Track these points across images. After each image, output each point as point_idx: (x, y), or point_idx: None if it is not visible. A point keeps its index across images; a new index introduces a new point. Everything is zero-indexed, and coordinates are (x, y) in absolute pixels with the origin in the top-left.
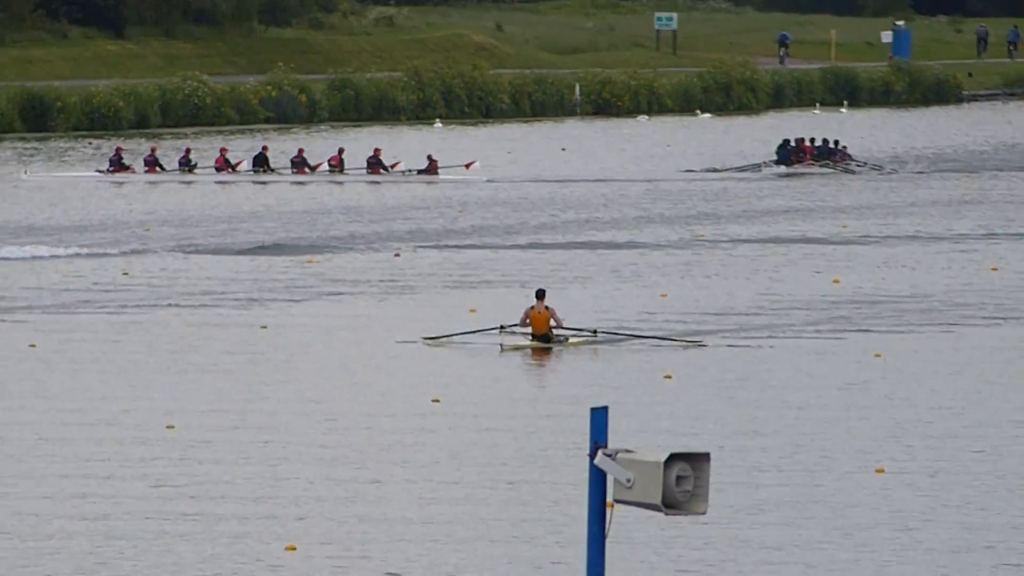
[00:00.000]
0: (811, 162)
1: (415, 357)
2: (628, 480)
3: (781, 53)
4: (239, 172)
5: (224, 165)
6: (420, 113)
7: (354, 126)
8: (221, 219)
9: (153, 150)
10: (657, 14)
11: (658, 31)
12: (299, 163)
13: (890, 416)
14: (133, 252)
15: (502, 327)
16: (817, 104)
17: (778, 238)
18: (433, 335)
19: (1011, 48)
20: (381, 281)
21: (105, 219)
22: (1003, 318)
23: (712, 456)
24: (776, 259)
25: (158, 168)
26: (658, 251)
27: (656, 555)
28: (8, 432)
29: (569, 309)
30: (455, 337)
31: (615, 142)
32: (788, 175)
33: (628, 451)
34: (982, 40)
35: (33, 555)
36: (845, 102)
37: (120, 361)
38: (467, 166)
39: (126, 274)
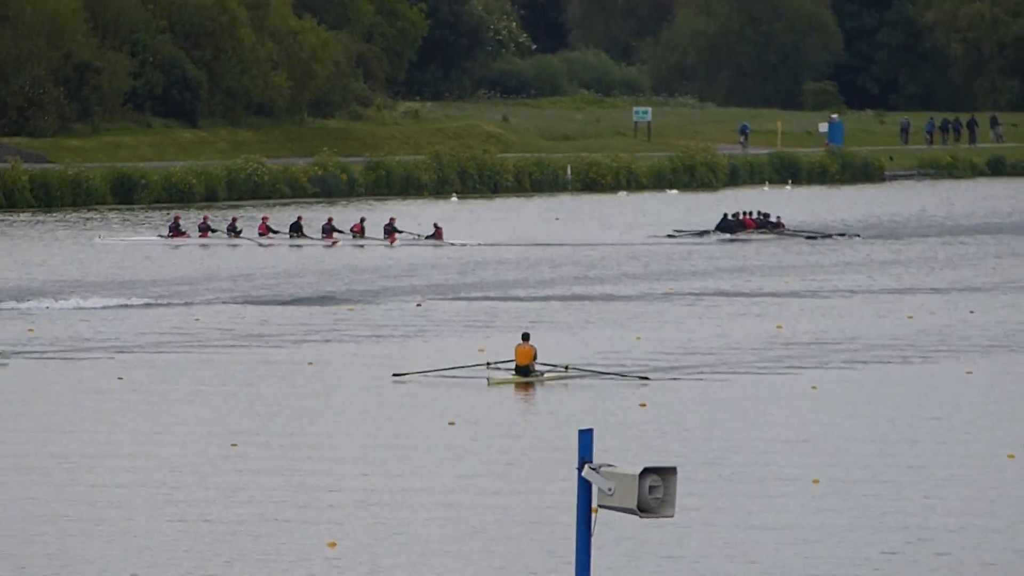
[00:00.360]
0: (751, 230)
1: (425, 388)
2: (609, 489)
3: (742, 140)
4: (278, 236)
5: (266, 231)
6: (440, 189)
7: (385, 199)
8: (266, 276)
9: (205, 218)
10: (635, 108)
11: (636, 122)
12: (328, 229)
13: (825, 437)
14: (197, 303)
15: (488, 364)
16: (767, 183)
17: (728, 291)
18: (422, 370)
19: (928, 136)
20: (405, 326)
21: (169, 276)
22: (919, 357)
23: (678, 470)
24: (728, 308)
25: (209, 233)
26: (632, 302)
27: (633, 553)
28: (101, 448)
29: (552, 348)
30: (455, 370)
31: (599, 213)
32: (732, 240)
33: (609, 465)
34: (904, 130)
35: (119, 547)
36: (790, 181)
37: (191, 391)
38: (438, 233)
39: (197, 320)
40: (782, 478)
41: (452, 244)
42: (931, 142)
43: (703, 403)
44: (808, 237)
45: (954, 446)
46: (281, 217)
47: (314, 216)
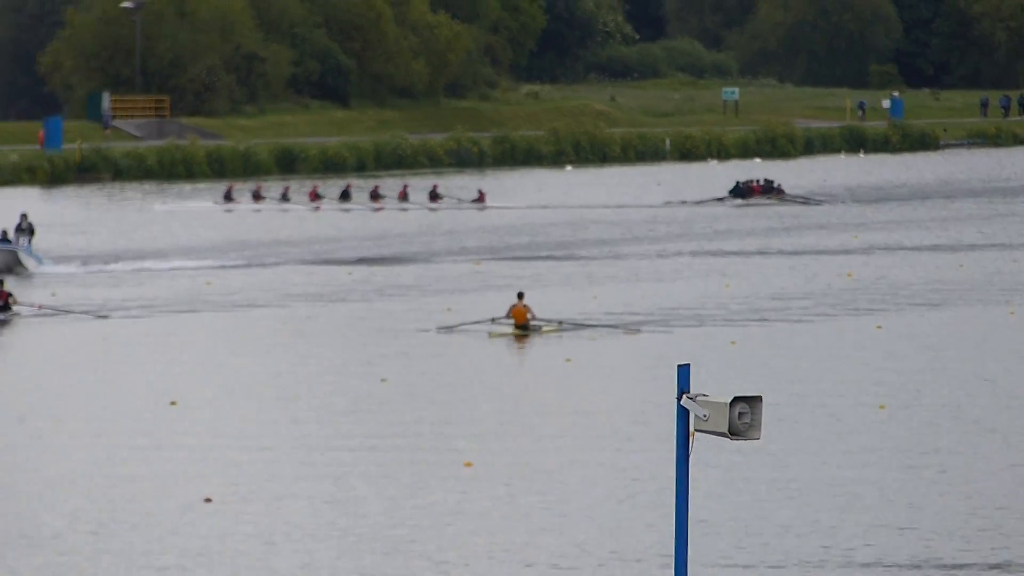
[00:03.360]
0: (759, 196)
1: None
2: (704, 415)
3: (860, 115)
4: (327, 202)
5: (315, 197)
6: (557, 160)
7: (510, 169)
8: (331, 239)
9: (259, 187)
10: (724, 89)
11: (725, 101)
12: (375, 195)
13: (888, 369)
14: (250, 265)
15: (493, 319)
16: (842, 151)
17: (802, 248)
18: (447, 324)
19: (1004, 110)
20: (462, 284)
21: (223, 238)
22: (969, 301)
23: (763, 398)
24: (801, 260)
25: (262, 199)
26: (701, 256)
27: (725, 473)
28: (160, 391)
29: (590, 302)
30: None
31: (693, 179)
32: (744, 204)
33: (703, 395)
34: (984, 105)
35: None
36: (861, 150)
37: (252, 342)
38: (481, 197)
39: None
40: (852, 405)
41: (494, 207)
42: (1007, 115)
43: (784, 343)
44: (802, 202)
45: (1000, 374)
46: (419, 184)
47: (449, 183)
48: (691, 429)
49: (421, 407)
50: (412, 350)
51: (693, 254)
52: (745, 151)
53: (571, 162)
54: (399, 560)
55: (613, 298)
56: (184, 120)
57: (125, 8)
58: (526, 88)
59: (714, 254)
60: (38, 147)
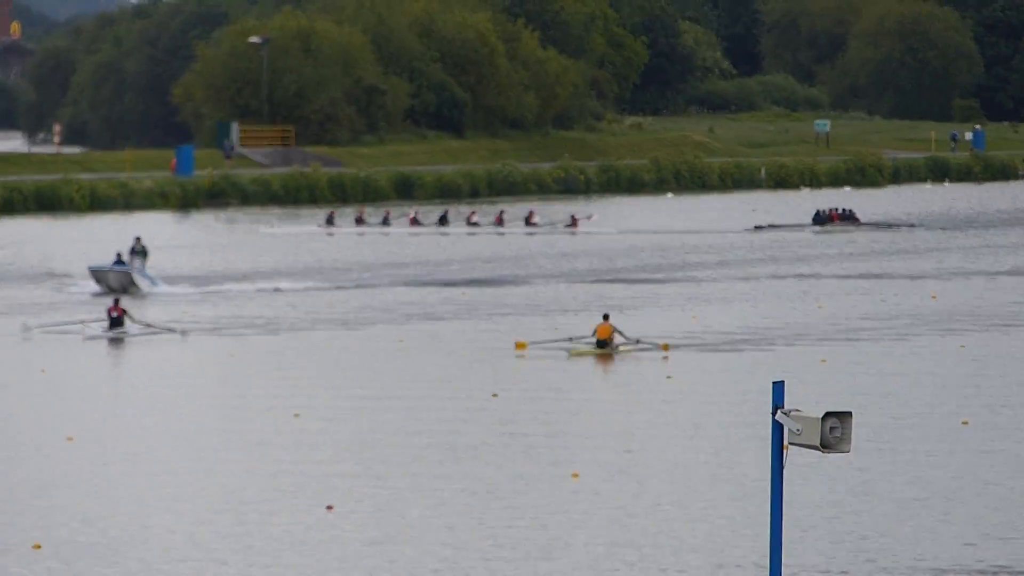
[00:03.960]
0: (837, 223)
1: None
2: (798, 430)
3: (952, 146)
4: (424, 226)
5: (414, 222)
6: (658, 188)
7: (615, 196)
8: (428, 262)
9: (361, 212)
10: (816, 121)
11: (817, 132)
12: (472, 221)
13: (971, 386)
14: (353, 287)
15: (571, 338)
16: (928, 180)
17: (887, 272)
18: (534, 341)
19: None
20: (556, 304)
21: (328, 261)
22: None
23: (853, 414)
24: (886, 284)
25: (364, 223)
26: (789, 279)
27: (814, 484)
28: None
29: (728, 319)
30: (547, 344)
31: (779, 204)
32: (823, 231)
33: (796, 410)
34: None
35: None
36: (946, 179)
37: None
38: (589, 218)
39: (330, 305)
40: (936, 420)
41: (587, 232)
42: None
43: (872, 361)
44: (878, 228)
45: None
46: (521, 210)
47: (548, 209)
48: (785, 442)
49: (526, 421)
50: (507, 368)
51: (780, 277)
52: (836, 180)
53: (672, 190)
54: (511, 567)
55: (708, 319)
56: (308, 149)
57: (253, 43)
58: (630, 120)
59: (802, 277)
60: (170, 174)
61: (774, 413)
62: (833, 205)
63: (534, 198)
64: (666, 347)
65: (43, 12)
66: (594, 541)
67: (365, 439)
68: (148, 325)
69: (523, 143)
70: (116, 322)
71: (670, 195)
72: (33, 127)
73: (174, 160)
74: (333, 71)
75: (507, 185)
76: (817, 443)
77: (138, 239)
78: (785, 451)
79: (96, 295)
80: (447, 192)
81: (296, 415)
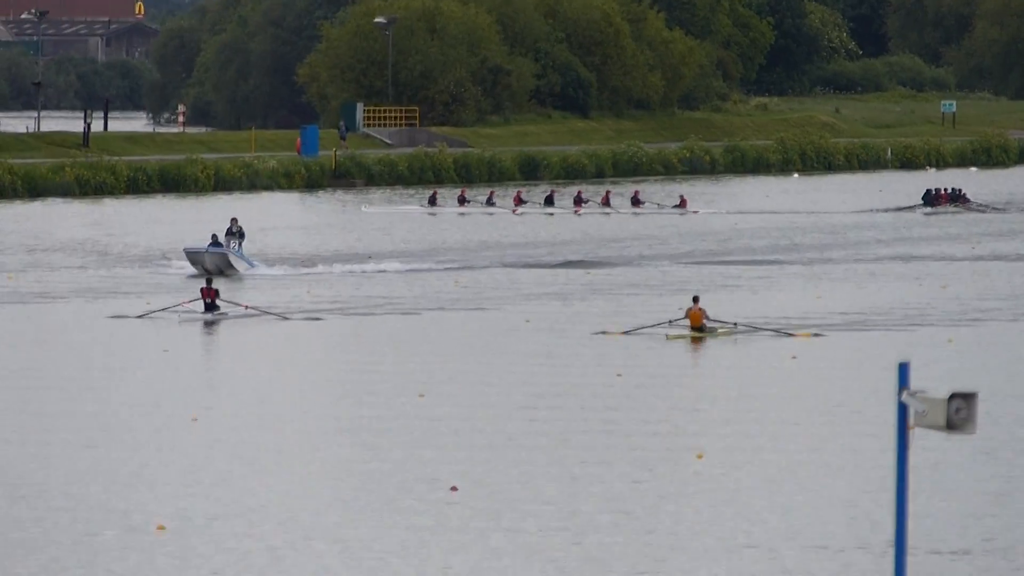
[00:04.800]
0: (947, 204)
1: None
2: (923, 411)
3: None
4: (528, 206)
5: (519, 202)
6: (784, 168)
7: (741, 176)
8: (534, 243)
9: (463, 191)
10: (943, 101)
11: (943, 113)
12: (578, 200)
13: None
14: (457, 268)
15: (670, 321)
16: None
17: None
18: (627, 329)
19: None
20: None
21: (432, 242)
22: None
23: (978, 394)
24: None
25: (466, 204)
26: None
27: (942, 467)
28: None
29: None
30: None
31: (904, 184)
32: (933, 212)
33: (922, 391)
34: None
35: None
36: None
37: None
38: (695, 212)
39: (456, 283)
40: None
41: (695, 212)
42: None
43: (999, 341)
44: (986, 209)
45: None
46: (653, 189)
47: (681, 189)
48: (910, 423)
49: (644, 402)
50: (609, 351)
51: (897, 258)
52: (962, 160)
53: (798, 170)
54: (636, 541)
55: (831, 299)
56: (433, 129)
57: (378, 23)
58: (755, 100)
59: (919, 258)
60: (295, 154)
61: (899, 394)
62: (945, 185)
63: (660, 178)
64: (807, 335)
65: None
66: (719, 522)
67: (488, 419)
68: (248, 307)
69: (648, 124)
70: (210, 306)
71: (796, 175)
72: (158, 107)
73: (299, 140)
74: (458, 51)
75: (632, 166)
76: (943, 424)
77: (234, 220)
78: (910, 432)
79: (191, 277)
80: (572, 173)
81: (421, 396)
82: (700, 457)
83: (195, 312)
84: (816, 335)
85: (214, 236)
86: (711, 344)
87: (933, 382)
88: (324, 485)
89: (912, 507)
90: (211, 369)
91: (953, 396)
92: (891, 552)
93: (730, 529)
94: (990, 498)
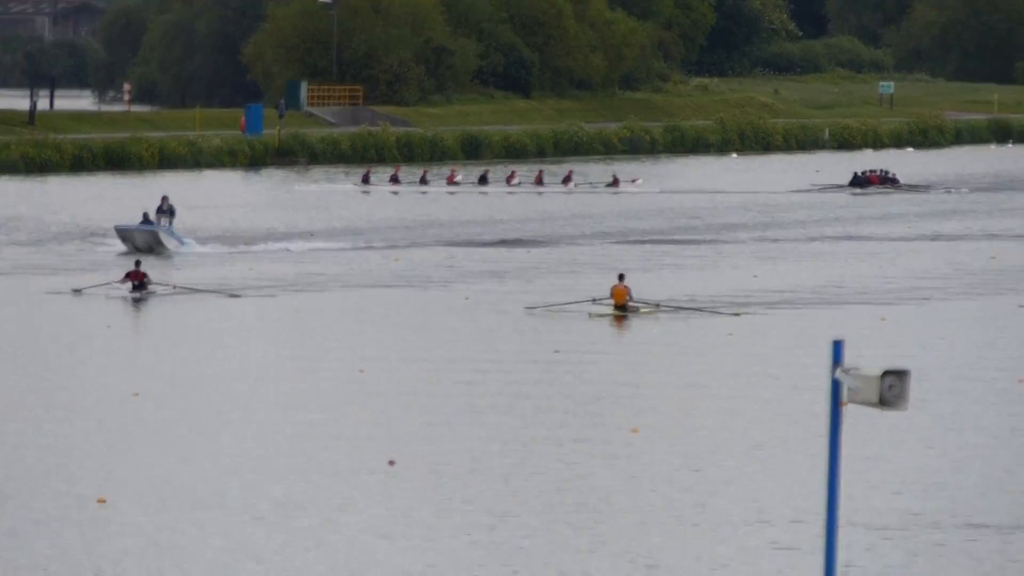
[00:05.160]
0: (877, 185)
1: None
2: (856, 387)
3: None
4: (464, 185)
5: (452, 181)
6: (723, 148)
7: (680, 156)
8: (470, 222)
9: (397, 170)
10: (880, 83)
11: (881, 94)
12: (511, 178)
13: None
14: (387, 246)
15: (593, 300)
16: (993, 143)
17: (946, 233)
18: (545, 304)
19: None
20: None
21: (363, 220)
22: None
23: (911, 372)
24: (944, 245)
25: (398, 181)
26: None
27: (868, 438)
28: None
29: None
30: (565, 305)
31: (842, 165)
32: (862, 193)
33: (855, 368)
34: None
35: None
36: (1010, 141)
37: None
38: (634, 181)
39: (396, 260)
40: (990, 378)
41: (634, 181)
42: None
43: (931, 319)
44: (916, 190)
45: None
46: (595, 169)
47: (616, 168)
48: (843, 400)
49: (584, 379)
50: (542, 327)
51: (828, 238)
52: (899, 141)
53: (736, 150)
54: (571, 514)
55: (766, 278)
56: (376, 108)
57: (323, 3)
58: (695, 81)
59: (854, 238)
60: (239, 132)
61: (832, 371)
62: (876, 167)
63: (600, 158)
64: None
65: None
66: (655, 496)
67: (425, 396)
68: (176, 287)
69: (589, 104)
70: (138, 286)
71: (735, 155)
72: (103, 86)
73: (243, 119)
74: (402, 31)
75: (573, 145)
76: (875, 401)
77: (165, 198)
78: (843, 408)
79: (123, 255)
80: (514, 152)
81: (361, 371)
82: (635, 432)
83: (124, 291)
84: (737, 314)
85: (145, 214)
86: (649, 322)
87: (866, 360)
88: (263, 457)
89: (844, 481)
90: (147, 346)
91: (886, 373)
92: (823, 525)
93: (666, 503)
94: (920, 473)
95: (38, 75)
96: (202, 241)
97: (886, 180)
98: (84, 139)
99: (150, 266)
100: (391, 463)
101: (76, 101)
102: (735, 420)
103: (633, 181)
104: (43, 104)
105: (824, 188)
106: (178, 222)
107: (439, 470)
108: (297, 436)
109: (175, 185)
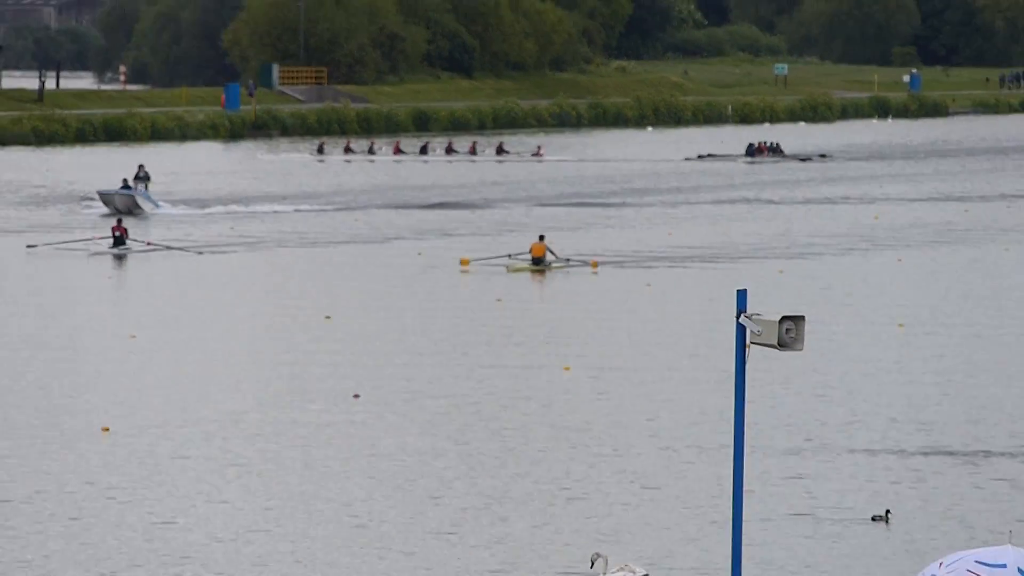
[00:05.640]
0: (767, 155)
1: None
2: (758, 331)
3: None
4: (408, 156)
5: (397, 151)
6: (640, 122)
7: (603, 130)
8: (412, 187)
9: (348, 142)
10: (776, 65)
11: (776, 75)
12: (449, 149)
13: (907, 295)
14: (342, 208)
15: (509, 255)
16: (875, 117)
17: (837, 196)
18: (477, 258)
19: (1009, 85)
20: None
21: (319, 186)
22: (973, 240)
23: (806, 317)
24: (832, 206)
25: (351, 151)
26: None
27: (769, 374)
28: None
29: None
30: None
31: (740, 137)
32: (754, 162)
33: (757, 314)
34: (1002, 80)
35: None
36: (890, 116)
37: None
38: (539, 151)
39: (358, 221)
40: (875, 323)
41: (551, 161)
42: (1008, 88)
43: (823, 272)
44: (801, 160)
45: (998, 297)
46: (529, 142)
47: (547, 140)
48: (747, 342)
49: (523, 326)
50: (479, 281)
51: (726, 201)
52: (792, 116)
53: (651, 124)
54: (515, 440)
55: (675, 237)
56: (339, 87)
57: None
58: (615, 64)
59: (751, 201)
60: (220, 108)
61: (737, 317)
62: (768, 139)
63: (533, 130)
64: (595, 264)
65: None
66: (583, 427)
67: (385, 339)
68: (149, 243)
69: (524, 84)
70: (118, 240)
71: (650, 129)
72: (102, 68)
73: (223, 96)
74: (361, 20)
75: (510, 120)
76: (775, 343)
77: (141, 166)
78: (747, 350)
79: (104, 216)
80: (458, 125)
81: (327, 318)
82: (567, 369)
83: (104, 247)
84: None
85: (124, 180)
86: (574, 273)
87: (767, 307)
88: (246, 392)
89: (748, 414)
90: (134, 295)
91: (783, 318)
92: (731, 451)
93: (594, 432)
94: (813, 403)
95: (46, 59)
96: (174, 204)
97: (774, 151)
98: (86, 114)
99: (128, 225)
100: (356, 396)
101: (78, 81)
102: (656, 359)
103: (537, 150)
104: (50, 84)
105: (722, 157)
106: (153, 187)
107: (396, 402)
108: (274, 377)
109: (163, 155)
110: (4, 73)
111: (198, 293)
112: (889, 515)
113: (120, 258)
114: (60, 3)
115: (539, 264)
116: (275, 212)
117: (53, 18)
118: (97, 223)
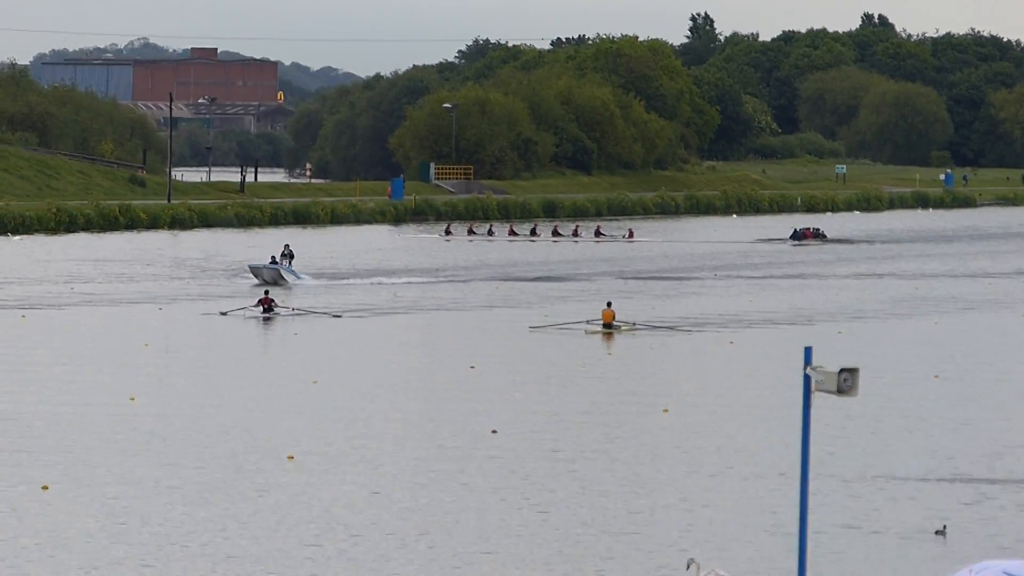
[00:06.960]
0: (812, 239)
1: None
2: (821, 380)
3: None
4: (520, 237)
5: (512, 233)
6: (726, 211)
7: (695, 216)
8: (521, 264)
9: (472, 225)
10: (837, 165)
11: (837, 174)
12: (556, 232)
13: (941, 350)
14: (454, 280)
15: (588, 320)
16: (918, 208)
17: (883, 272)
18: (547, 323)
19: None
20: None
21: (441, 262)
22: (1000, 309)
23: (860, 369)
24: (882, 281)
25: (473, 233)
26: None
27: (830, 421)
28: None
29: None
30: (562, 325)
31: (807, 223)
32: (800, 245)
33: (820, 367)
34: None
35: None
36: (929, 207)
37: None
38: (630, 234)
39: (498, 288)
40: (916, 374)
41: (640, 242)
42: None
43: (875, 333)
44: (842, 242)
45: (1015, 355)
46: (623, 225)
47: (643, 225)
48: (812, 389)
49: (626, 377)
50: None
51: (784, 276)
52: (850, 207)
53: (736, 212)
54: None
55: (757, 303)
56: (483, 182)
57: (446, 107)
58: (707, 163)
59: (807, 276)
60: (387, 198)
61: (805, 368)
62: (816, 226)
63: (640, 217)
64: (632, 233)
65: (299, 85)
66: (681, 454)
67: (520, 387)
68: (294, 309)
69: (633, 179)
70: (267, 309)
71: (734, 216)
72: (292, 165)
73: (389, 188)
74: (501, 127)
75: (621, 208)
76: (835, 390)
77: (287, 245)
78: (812, 396)
79: (255, 286)
80: (579, 213)
81: (472, 367)
82: (666, 412)
83: (256, 313)
84: (687, 331)
85: (272, 257)
86: (656, 337)
87: (828, 361)
88: (383, 429)
89: (812, 448)
90: (312, 350)
91: (842, 370)
92: (798, 479)
93: (690, 461)
94: (867, 439)
95: (246, 158)
96: (315, 276)
97: (817, 235)
98: (278, 202)
99: (274, 294)
100: (494, 432)
101: (273, 176)
102: (737, 403)
103: (629, 233)
104: (250, 178)
105: (773, 240)
106: (297, 262)
107: (533, 439)
108: (424, 403)
109: (336, 236)
110: (213, 169)
111: (347, 349)
112: (946, 529)
113: (268, 321)
114: (259, 112)
115: (609, 328)
116: (407, 283)
117: (252, 125)
118: (249, 293)
